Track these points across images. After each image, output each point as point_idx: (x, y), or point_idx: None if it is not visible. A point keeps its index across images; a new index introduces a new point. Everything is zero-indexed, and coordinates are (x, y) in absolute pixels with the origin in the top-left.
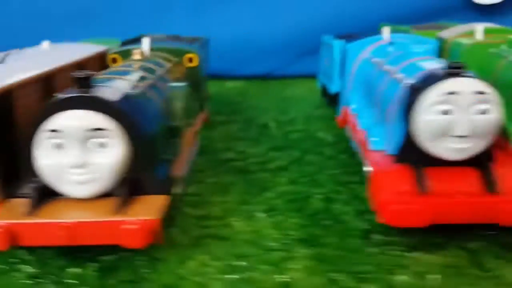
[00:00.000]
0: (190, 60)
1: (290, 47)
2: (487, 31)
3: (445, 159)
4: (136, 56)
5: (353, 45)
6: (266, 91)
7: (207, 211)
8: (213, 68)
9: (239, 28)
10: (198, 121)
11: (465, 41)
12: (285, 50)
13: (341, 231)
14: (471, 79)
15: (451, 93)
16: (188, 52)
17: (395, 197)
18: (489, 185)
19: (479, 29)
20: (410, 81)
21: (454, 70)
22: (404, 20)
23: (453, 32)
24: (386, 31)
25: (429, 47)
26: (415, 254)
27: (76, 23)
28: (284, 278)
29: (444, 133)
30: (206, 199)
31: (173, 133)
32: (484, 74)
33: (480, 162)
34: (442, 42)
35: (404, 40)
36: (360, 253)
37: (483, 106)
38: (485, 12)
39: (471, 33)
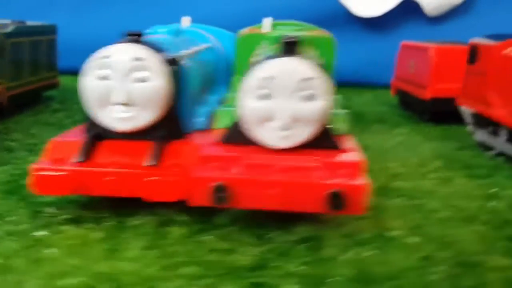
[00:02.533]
0: None
1: None
2: (277, 25)
3: (111, 129)
4: None
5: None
6: None
7: None
8: None
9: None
10: None
11: (241, 32)
12: None
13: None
14: (132, 46)
15: (106, 57)
16: None
17: (40, 165)
18: (151, 159)
19: (266, 23)
20: None
21: (130, 38)
22: None
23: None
24: (185, 21)
25: (229, 37)
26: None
27: None
28: None
29: (105, 101)
30: None
31: None
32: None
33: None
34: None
35: (199, 31)
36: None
37: (141, 74)
38: (365, 24)
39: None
